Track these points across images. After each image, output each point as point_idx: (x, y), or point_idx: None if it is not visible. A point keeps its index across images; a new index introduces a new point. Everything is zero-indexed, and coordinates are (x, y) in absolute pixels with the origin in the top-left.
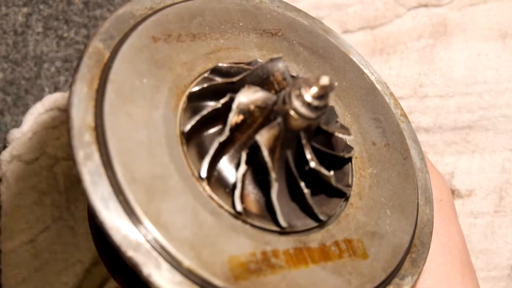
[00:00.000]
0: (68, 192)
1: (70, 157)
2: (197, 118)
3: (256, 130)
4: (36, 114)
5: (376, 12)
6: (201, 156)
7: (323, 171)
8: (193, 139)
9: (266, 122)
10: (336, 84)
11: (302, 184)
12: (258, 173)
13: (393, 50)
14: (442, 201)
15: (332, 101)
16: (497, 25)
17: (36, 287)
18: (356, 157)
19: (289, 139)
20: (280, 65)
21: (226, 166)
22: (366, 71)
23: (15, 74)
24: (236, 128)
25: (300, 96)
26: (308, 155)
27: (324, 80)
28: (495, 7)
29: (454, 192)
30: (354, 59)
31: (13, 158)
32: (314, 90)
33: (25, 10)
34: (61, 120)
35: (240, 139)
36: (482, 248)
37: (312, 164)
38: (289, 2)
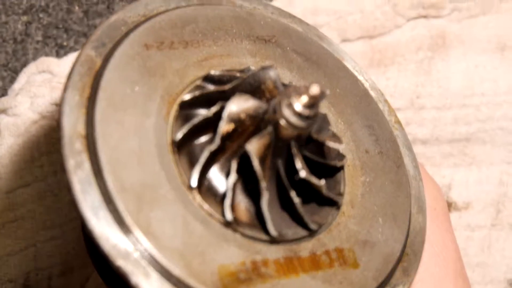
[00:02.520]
0: (51, 155)
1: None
2: (188, 126)
3: (247, 139)
4: (29, 73)
5: (375, 22)
6: (192, 164)
7: (314, 180)
8: (184, 147)
9: (257, 131)
10: (327, 92)
11: (293, 193)
12: (248, 182)
13: (391, 62)
14: (436, 210)
15: (325, 108)
16: (495, 37)
17: (9, 236)
18: (348, 165)
19: (279, 148)
20: (272, 73)
21: (216, 175)
22: (360, 77)
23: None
24: (227, 137)
25: (290, 106)
26: (298, 165)
27: (314, 89)
28: (494, 20)
29: (451, 205)
30: (348, 66)
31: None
32: (305, 99)
33: (24, 18)
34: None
35: (231, 147)
36: (479, 262)
37: (302, 174)
38: (288, 9)
